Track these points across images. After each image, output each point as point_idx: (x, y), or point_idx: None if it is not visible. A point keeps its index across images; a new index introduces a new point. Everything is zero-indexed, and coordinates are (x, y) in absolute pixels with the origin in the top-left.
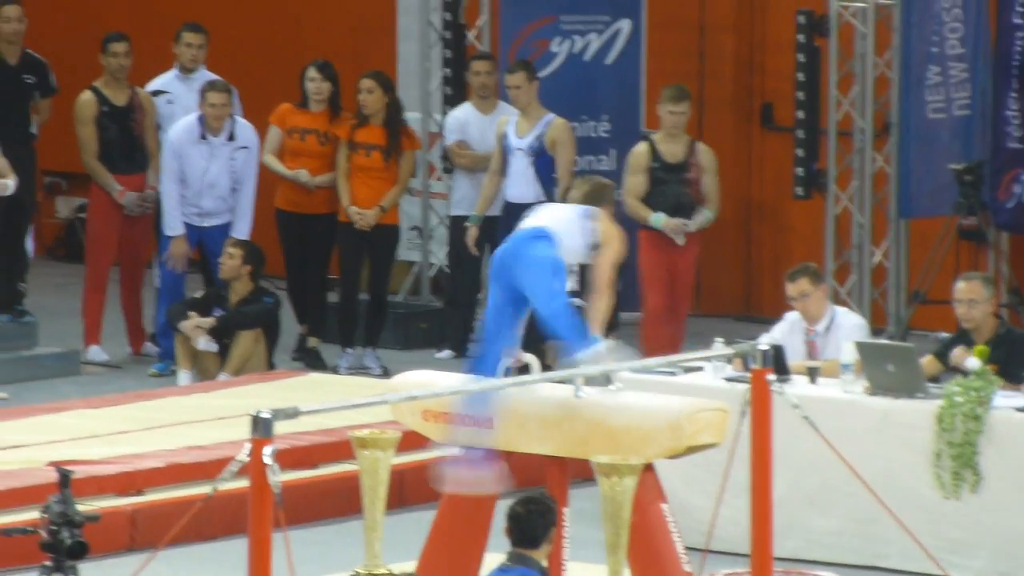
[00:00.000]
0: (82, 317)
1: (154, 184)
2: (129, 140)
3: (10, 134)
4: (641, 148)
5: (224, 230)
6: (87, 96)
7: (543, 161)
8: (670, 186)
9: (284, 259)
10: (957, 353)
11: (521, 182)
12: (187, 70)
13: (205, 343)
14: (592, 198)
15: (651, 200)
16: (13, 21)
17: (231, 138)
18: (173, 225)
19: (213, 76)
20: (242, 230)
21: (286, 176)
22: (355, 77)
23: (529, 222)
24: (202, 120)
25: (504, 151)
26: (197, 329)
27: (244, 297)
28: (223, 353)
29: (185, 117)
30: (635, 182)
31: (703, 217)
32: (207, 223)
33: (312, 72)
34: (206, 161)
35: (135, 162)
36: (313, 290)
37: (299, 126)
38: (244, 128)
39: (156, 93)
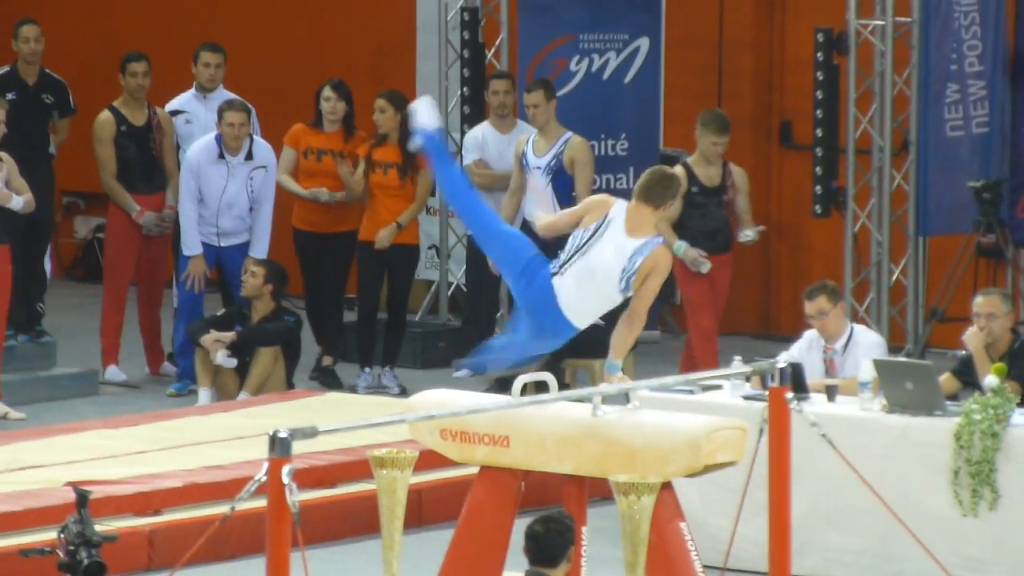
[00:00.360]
0: (100, 337)
1: (172, 204)
2: (147, 160)
3: (29, 154)
4: (678, 173)
5: (242, 249)
6: (105, 116)
7: (561, 180)
8: (708, 209)
9: (302, 278)
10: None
11: (541, 201)
12: (205, 90)
13: (223, 358)
14: (653, 192)
15: (689, 224)
16: (31, 41)
17: (249, 157)
18: (191, 244)
19: (231, 95)
20: (260, 249)
21: (303, 196)
22: (375, 97)
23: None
24: (220, 140)
25: (523, 169)
26: (217, 343)
27: (265, 316)
28: (242, 372)
29: (203, 137)
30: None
31: (753, 234)
32: (225, 243)
33: (327, 91)
34: (224, 180)
35: (153, 182)
36: (331, 309)
37: (314, 146)
38: (262, 147)
39: (175, 113)
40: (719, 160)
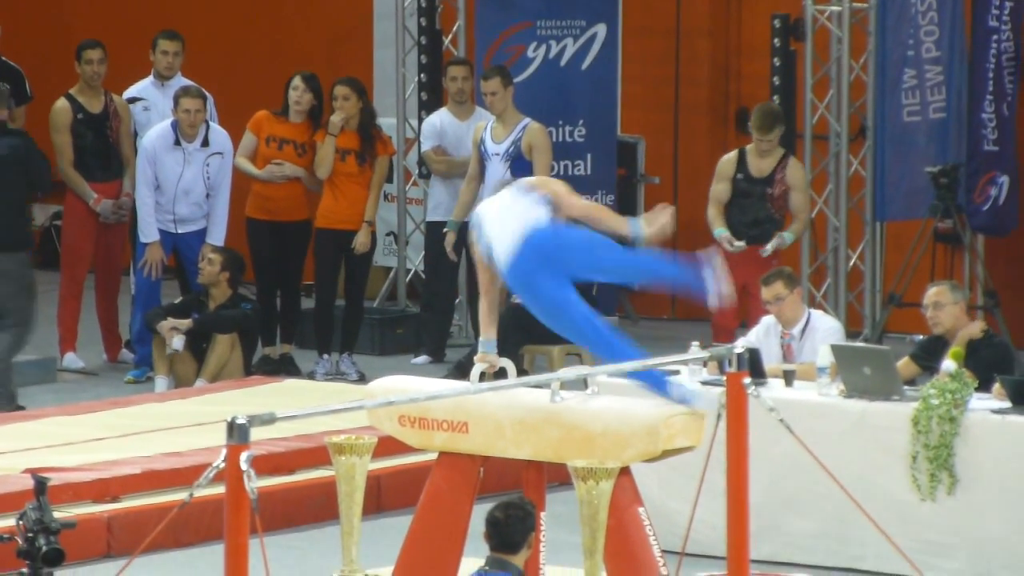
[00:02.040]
0: (57, 325)
1: (130, 191)
2: (104, 147)
3: None
4: (730, 156)
5: (199, 236)
6: (62, 103)
7: (520, 166)
8: (752, 200)
9: (254, 267)
10: None
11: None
12: (163, 77)
13: (178, 342)
14: None
15: (732, 211)
16: None
17: (205, 144)
18: (148, 231)
19: (189, 83)
20: (217, 236)
21: (259, 176)
22: (332, 84)
23: (499, 236)
24: (176, 126)
25: (481, 157)
26: (173, 330)
27: (222, 303)
28: (200, 359)
29: (159, 124)
30: (718, 189)
31: (778, 241)
32: (182, 229)
33: (296, 81)
34: (180, 167)
35: (110, 169)
36: (288, 297)
37: (277, 135)
38: (218, 134)
39: (132, 100)
40: (774, 152)
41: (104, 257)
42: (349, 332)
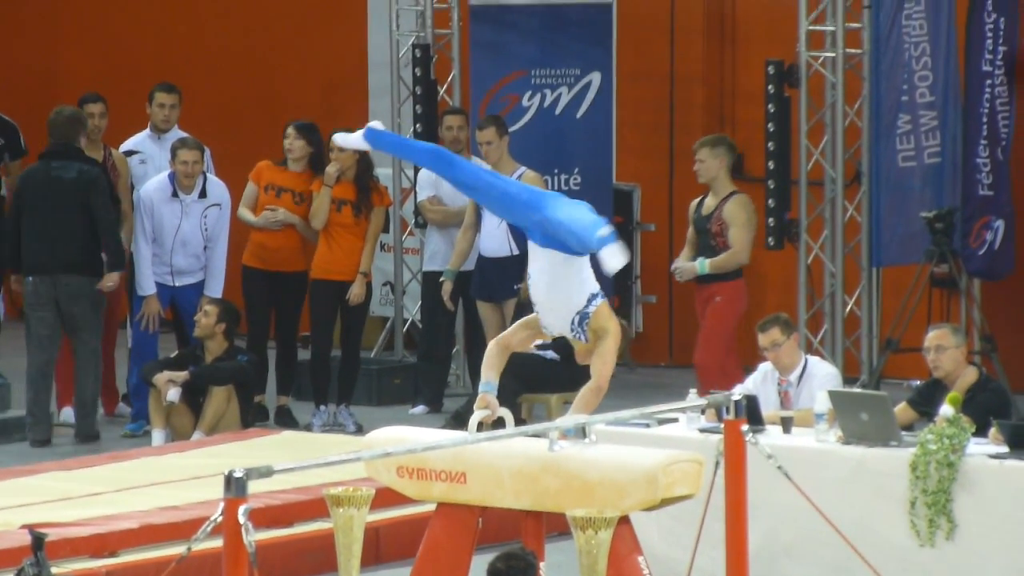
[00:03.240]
0: (55, 379)
1: (127, 245)
2: None
3: None
4: (698, 198)
5: (197, 289)
6: None
7: None
8: (704, 238)
9: (246, 314)
10: None
11: (495, 237)
12: (160, 130)
13: (174, 394)
14: None
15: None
16: None
17: (203, 195)
18: (145, 284)
19: (185, 135)
20: (215, 288)
21: (254, 223)
22: (328, 134)
23: None
24: (173, 178)
25: (477, 206)
26: (169, 383)
27: (218, 355)
28: (197, 412)
29: (156, 176)
30: (689, 231)
31: (686, 264)
32: (180, 282)
33: (288, 130)
34: (178, 219)
35: None
36: (285, 348)
37: (275, 183)
38: (216, 185)
39: (129, 153)
40: (724, 185)
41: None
42: (346, 383)
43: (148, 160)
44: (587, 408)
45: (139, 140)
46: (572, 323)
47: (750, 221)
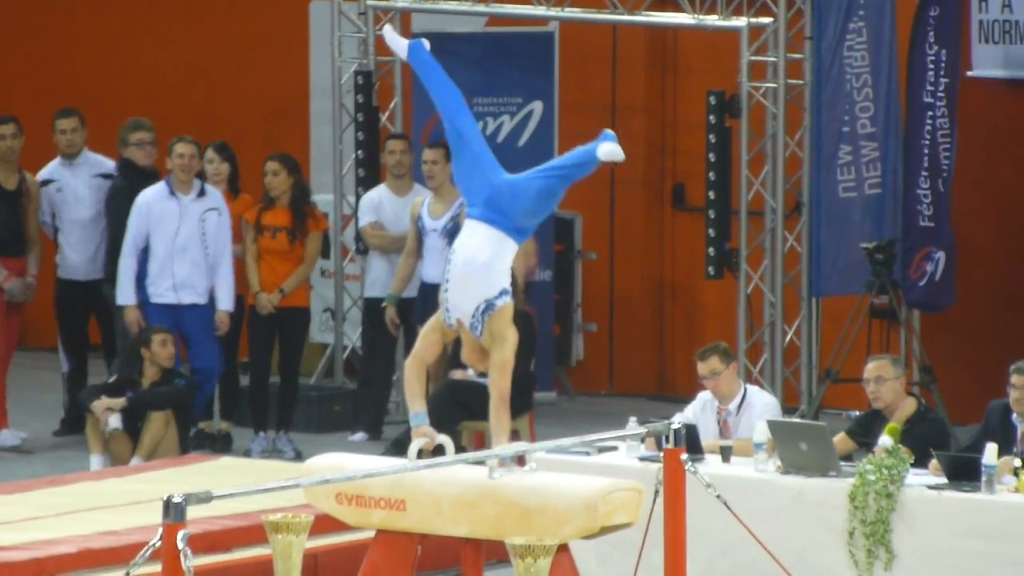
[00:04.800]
0: None
1: (34, 272)
2: (15, 224)
3: None
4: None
5: (204, 314)
6: None
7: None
8: None
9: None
10: None
11: (437, 262)
12: (68, 156)
13: (115, 420)
14: None
15: None
16: None
17: (201, 195)
18: (126, 293)
19: (98, 157)
20: (226, 302)
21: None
22: (266, 159)
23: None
24: (169, 181)
25: (419, 232)
26: (107, 411)
27: (156, 380)
28: (135, 437)
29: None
30: None
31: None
32: (184, 297)
33: (210, 154)
34: (176, 222)
35: (19, 247)
36: (226, 374)
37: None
38: (213, 190)
39: (45, 183)
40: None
41: (4, 335)
42: (285, 409)
43: (64, 187)
44: (504, 426)
45: (52, 168)
46: (476, 309)
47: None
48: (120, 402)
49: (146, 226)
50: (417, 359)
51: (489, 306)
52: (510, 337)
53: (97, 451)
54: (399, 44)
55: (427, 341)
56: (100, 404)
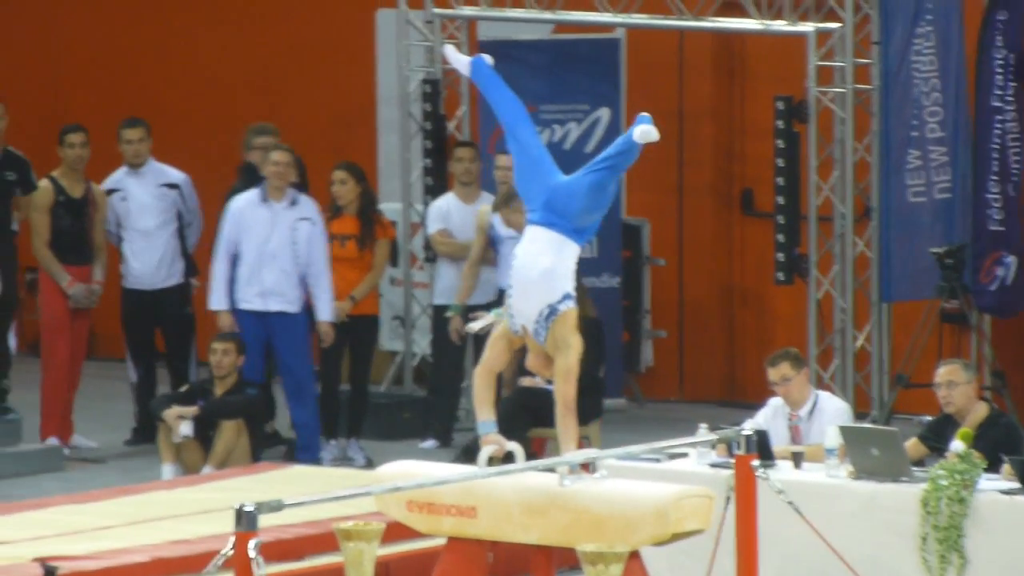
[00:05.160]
0: (40, 409)
1: (100, 279)
2: (80, 232)
3: None
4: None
5: (297, 322)
6: (45, 184)
7: None
8: None
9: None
10: None
11: None
12: (134, 166)
13: (186, 428)
14: None
15: None
16: None
17: (294, 204)
18: (218, 298)
19: (165, 167)
20: (325, 311)
21: None
22: (333, 168)
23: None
24: (263, 187)
25: (491, 241)
26: (178, 419)
27: (228, 389)
28: (206, 446)
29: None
30: None
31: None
32: (272, 304)
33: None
34: (267, 228)
35: (84, 254)
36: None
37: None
38: (307, 200)
39: (110, 192)
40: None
41: (70, 341)
42: (355, 417)
43: (129, 196)
44: (572, 434)
45: (117, 178)
46: (540, 315)
47: None
48: (192, 410)
49: (237, 231)
50: (485, 368)
51: (552, 311)
52: (574, 343)
53: (168, 460)
54: (461, 62)
55: (495, 349)
56: (172, 413)
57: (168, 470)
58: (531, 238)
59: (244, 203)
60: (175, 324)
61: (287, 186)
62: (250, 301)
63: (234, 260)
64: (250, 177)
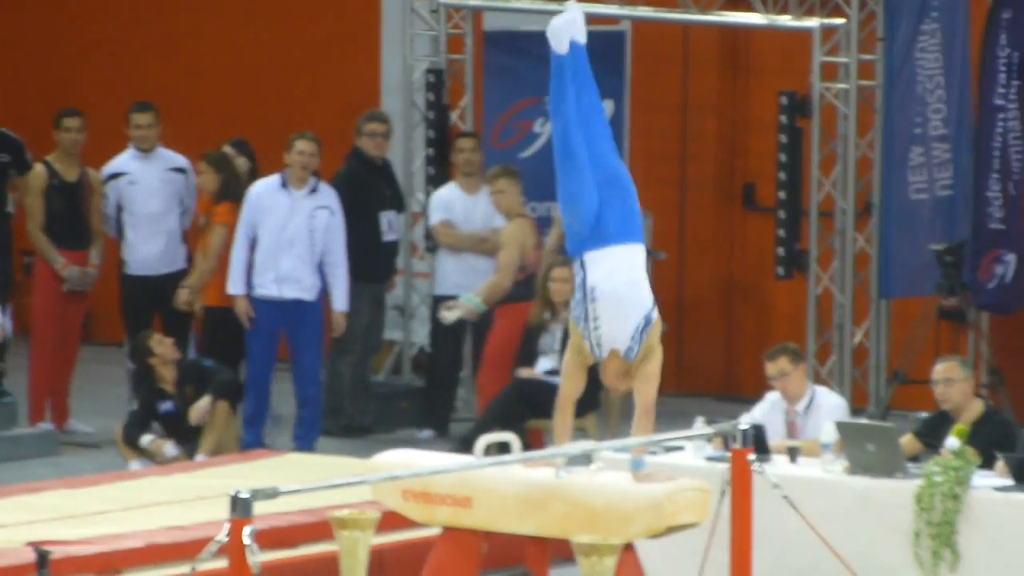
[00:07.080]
0: (28, 393)
1: (96, 262)
2: (75, 216)
3: None
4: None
5: (313, 311)
6: (39, 168)
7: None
8: None
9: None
10: None
11: None
12: (143, 150)
13: (170, 449)
14: None
15: None
16: None
17: (314, 192)
18: (236, 282)
19: (171, 153)
20: (340, 301)
21: None
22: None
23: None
24: (284, 174)
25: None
26: (159, 443)
27: (176, 377)
28: (184, 443)
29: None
30: None
31: (461, 303)
32: (288, 291)
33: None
34: (285, 215)
35: (79, 238)
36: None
37: None
38: (327, 188)
39: (117, 175)
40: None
41: (64, 325)
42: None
43: (137, 180)
44: (646, 434)
45: (124, 161)
46: (636, 329)
47: (520, 244)
48: (167, 443)
49: (256, 217)
50: (567, 398)
51: (647, 322)
52: (659, 349)
53: (133, 459)
54: (569, 27)
55: (574, 381)
56: (156, 445)
57: (170, 448)
58: (598, 263)
59: (263, 188)
60: (176, 310)
61: (310, 175)
62: (266, 287)
63: (252, 245)
64: (355, 162)
